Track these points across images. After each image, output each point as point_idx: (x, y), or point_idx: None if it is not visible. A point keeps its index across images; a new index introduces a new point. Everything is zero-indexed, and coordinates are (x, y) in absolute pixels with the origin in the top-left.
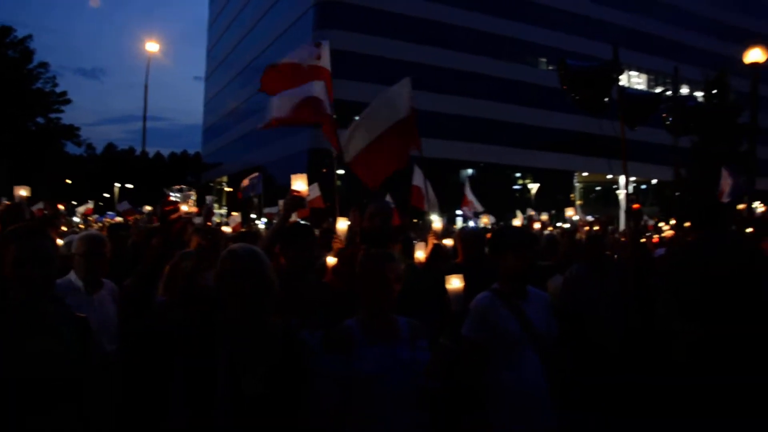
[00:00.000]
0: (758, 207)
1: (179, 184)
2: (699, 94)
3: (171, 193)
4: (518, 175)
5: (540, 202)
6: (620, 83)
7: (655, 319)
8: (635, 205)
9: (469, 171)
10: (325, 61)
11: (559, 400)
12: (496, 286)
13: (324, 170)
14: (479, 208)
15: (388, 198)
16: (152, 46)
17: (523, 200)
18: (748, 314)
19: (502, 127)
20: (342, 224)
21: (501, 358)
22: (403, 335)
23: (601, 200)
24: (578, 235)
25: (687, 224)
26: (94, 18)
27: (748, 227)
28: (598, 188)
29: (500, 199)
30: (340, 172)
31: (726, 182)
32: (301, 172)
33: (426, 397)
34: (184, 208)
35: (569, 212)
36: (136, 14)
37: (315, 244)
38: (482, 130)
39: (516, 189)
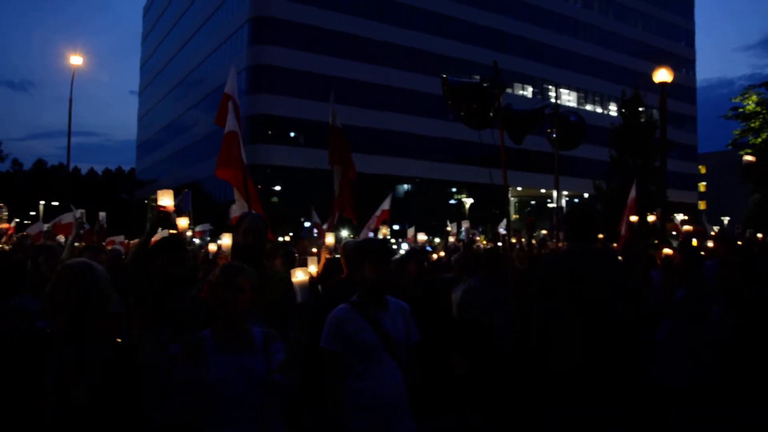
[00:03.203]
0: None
1: (110, 202)
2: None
3: None
4: (454, 189)
5: (474, 217)
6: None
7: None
8: (530, 219)
9: (405, 186)
10: (231, 86)
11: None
12: (355, 298)
13: (259, 186)
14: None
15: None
16: (76, 59)
17: (458, 215)
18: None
19: (438, 143)
20: (226, 240)
21: (358, 369)
22: (256, 344)
23: (534, 214)
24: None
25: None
26: (23, 29)
27: (653, 238)
28: (533, 202)
29: (435, 213)
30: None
31: (631, 196)
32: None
33: (282, 394)
34: None
35: (465, 224)
36: (67, 26)
37: (186, 257)
38: (418, 146)
39: (452, 204)
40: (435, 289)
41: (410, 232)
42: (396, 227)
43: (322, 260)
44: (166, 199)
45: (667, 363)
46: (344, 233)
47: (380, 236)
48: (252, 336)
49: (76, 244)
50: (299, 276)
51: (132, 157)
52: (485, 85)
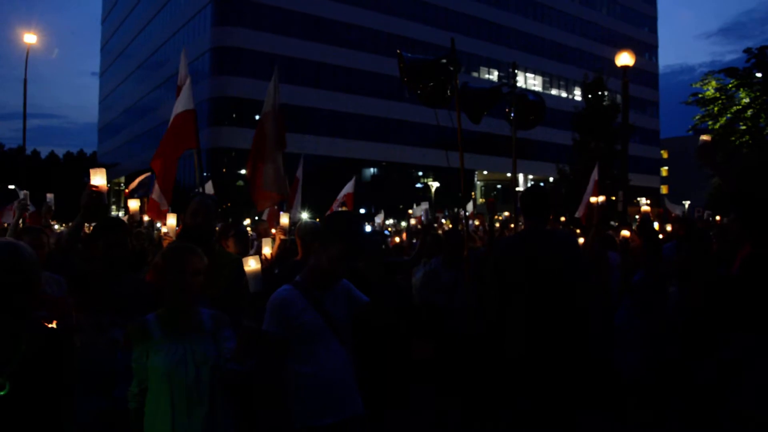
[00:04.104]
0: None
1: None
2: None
3: None
4: (420, 173)
5: (441, 201)
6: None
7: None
8: (490, 199)
9: (372, 170)
10: (182, 69)
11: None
12: (299, 278)
13: (224, 170)
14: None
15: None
16: (30, 38)
17: (424, 199)
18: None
19: (404, 126)
20: (170, 221)
21: (303, 352)
22: (205, 328)
23: (500, 198)
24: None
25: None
26: None
27: (615, 220)
28: (499, 186)
29: (402, 197)
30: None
31: (592, 179)
32: (201, 171)
33: (233, 382)
34: None
35: (423, 206)
36: (26, 5)
37: (128, 238)
38: (384, 129)
39: (418, 188)
40: (393, 271)
41: (380, 216)
42: (362, 211)
43: (277, 242)
44: (98, 178)
45: (624, 346)
46: (304, 215)
47: None
48: (201, 319)
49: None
50: (251, 265)
51: (94, 140)
52: (443, 61)
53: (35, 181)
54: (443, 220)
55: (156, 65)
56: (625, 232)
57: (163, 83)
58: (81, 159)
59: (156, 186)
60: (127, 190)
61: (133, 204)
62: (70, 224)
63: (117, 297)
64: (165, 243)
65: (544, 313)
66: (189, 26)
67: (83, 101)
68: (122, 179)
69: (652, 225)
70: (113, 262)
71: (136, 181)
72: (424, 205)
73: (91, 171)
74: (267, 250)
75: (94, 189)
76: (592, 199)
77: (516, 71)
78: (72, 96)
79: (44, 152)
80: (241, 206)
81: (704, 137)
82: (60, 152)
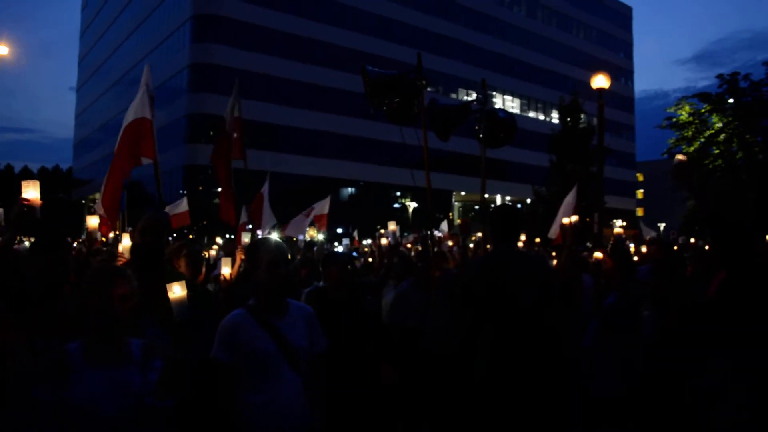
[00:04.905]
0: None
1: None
2: (555, 116)
3: None
4: (398, 193)
5: (418, 221)
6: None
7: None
8: (464, 220)
9: (350, 189)
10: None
11: (320, 418)
12: (251, 302)
13: (200, 188)
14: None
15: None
16: (2, 49)
17: (402, 218)
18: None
19: (382, 146)
20: (126, 241)
21: (254, 381)
22: (134, 358)
23: (477, 219)
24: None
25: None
26: None
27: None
28: (477, 207)
29: (379, 217)
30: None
31: (569, 200)
32: (177, 189)
33: (155, 418)
34: None
35: (391, 226)
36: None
37: (68, 257)
38: (362, 149)
39: (395, 208)
40: (359, 292)
41: (355, 234)
42: (339, 230)
43: (237, 261)
44: (30, 191)
45: (595, 370)
46: (274, 235)
47: (308, 238)
48: (130, 348)
49: None
50: (176, 291)
51: (69, 156)
52: (410, 76)
53: (6, 197)
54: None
55: (133, 81)
56: (598, 254)
57: None
58: (56, 174)
59: (99, 202)
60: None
61: (93, 222)
62: None
63: (54, 319)
64: (120, 262)
65: (510, 336)
66: (167, 43)
67: (61, 116)
68: (97, 195)
69: (625, 247)
70: (52, 281)
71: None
72: (392, 225)
73: (23, 183)
74: (226, 270)
75: (24, 202)
76: (565, 220)
77: (486, 89)
78: (50, 110)
79: (18, 167)
80: (217, 225)
81: (679, 157)
82: (35, 167)
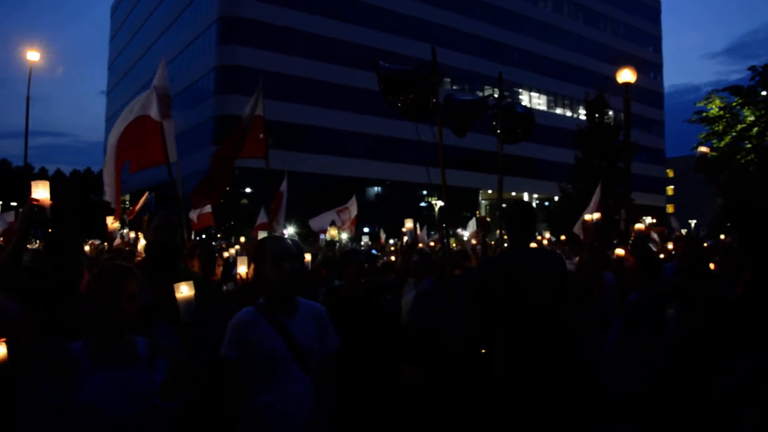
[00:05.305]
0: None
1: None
2: (583, 112)
3: None
4: (425, 192)
5: (444, 219)
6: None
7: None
8: (483, 217)
9: (376, 189)
10: (161, 77)
11: (330, 418)
12: (261, 301)
13: (227, 188)
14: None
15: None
16: (33, 55)
17: (428, 218)
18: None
19: (409, 146)
20: (143, 241)
21: (263, 379)
22: (140, 357)
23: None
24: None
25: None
26: None
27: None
28: (504, 205)
29: (405, 216)
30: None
31: (594, 198)
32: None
33: (160, 418)
34: None
35: (408, 224)
36: (37, 26)
37: (82, 258)
38: (389, 149)
39: (422, 207)
40: (375, 291)
41: (382, 234)
42: (366, 230)
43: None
44: (41, 191)
45: (616, 369)
46: (290, 230)
47: (328, 238)
48: (136, 347)
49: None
50: (183, 291)
51: (101, 159)
52: (424, 71)
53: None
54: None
55: None
56: (620, 251)
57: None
58: (88, 177)
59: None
60: (130, 210)
61: (113, 222)
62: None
63: (67, 319)
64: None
65: (524, 334)
66: (194, 45)
67: (92, 120)
68: (127, 197)
69: (647, 243)
70: (64, 281)
71: (136, 206)
72: (408, 223)
73: (33, 183)
74: (243, 269)
75: (34, 202)
76: (587, 217)
77: (502, 83)
78: (81, 114)
79: (52, 170)
80: (244, 225)
81: (702, 149)
82: (67, 170)
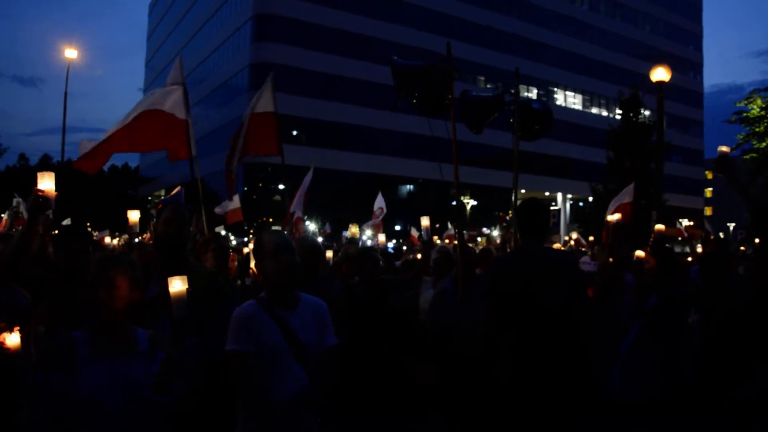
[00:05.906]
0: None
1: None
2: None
3: None
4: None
5: (477, 219)
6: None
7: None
8: (501, 215)
9: (408, 187)
10: (176, 74)
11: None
12: (263, 295)
13: (260, 184)
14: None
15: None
16: (71, 53)
17: (460, 216)
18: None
19: (441, 144)
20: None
21: (261, 373)
22: (140, 349)
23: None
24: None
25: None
26: (32, 26)
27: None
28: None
29: (437, 214)
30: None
31: (617, 198)
32: (236, 186)
33: (153, 411)
34: None
35: (424, 221)
36: (77, 24)
37: (89, 248)
38: (421, 147)
39: (453, 205)
40: (387, 289)
41: (413, 231)
42: (397, 228)
43: None
44: (46, 182)
45: (631, 373)
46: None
47: (349, 235)
48: (135, 339)
49: None
50: (176, 286)
51: (137, 155)
52: (439, 66)
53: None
54: (479, 239)
55: (197, 81)
56: (640, 252)
57: (204, 98)
58: (125, 172)
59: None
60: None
61: (134, 216)
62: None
63: (76, 309)
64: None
65: (532, 335)
66: (228, 43)
67: None
68: (162, 192)
69: (665, 244)
70: (74, 271)
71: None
72: (424, 221)
73: (39, 175)
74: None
75: (39, 193)
76: (609, 218)
77: (519, 79)
78: (120, 111)
79: None
80: (277, 221)
81: (722, 148)
82: (105, 166)
